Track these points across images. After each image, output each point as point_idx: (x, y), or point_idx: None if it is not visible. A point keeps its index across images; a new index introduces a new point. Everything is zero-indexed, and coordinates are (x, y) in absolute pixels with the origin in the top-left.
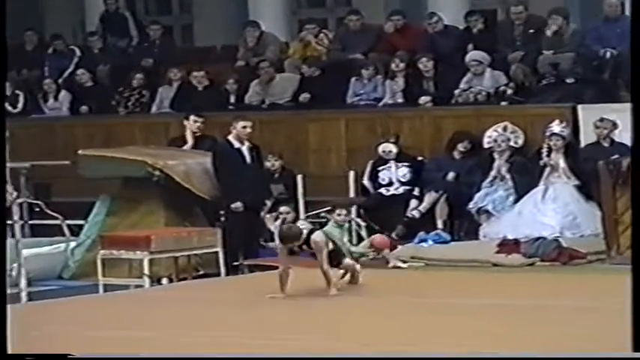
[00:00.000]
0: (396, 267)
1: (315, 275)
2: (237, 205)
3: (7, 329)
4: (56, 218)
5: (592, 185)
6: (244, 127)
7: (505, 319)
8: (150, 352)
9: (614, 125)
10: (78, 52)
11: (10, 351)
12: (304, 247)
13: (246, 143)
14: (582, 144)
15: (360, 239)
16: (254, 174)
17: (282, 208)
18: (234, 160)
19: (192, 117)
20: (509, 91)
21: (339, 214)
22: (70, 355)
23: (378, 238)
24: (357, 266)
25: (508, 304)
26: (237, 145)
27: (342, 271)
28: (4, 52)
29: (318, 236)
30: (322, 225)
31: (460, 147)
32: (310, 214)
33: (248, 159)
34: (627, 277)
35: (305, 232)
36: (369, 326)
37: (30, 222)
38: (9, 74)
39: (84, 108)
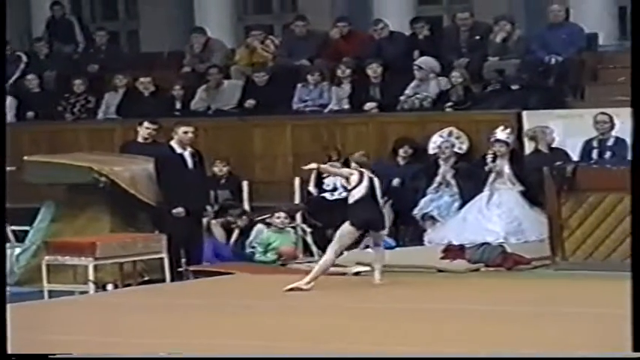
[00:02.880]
0: (356, 274)
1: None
2: (179, 210)
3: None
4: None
5: (537, 191)
6: (185, 132)
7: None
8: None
9: (544, 132)
10: (24, 58)
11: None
12: None
13: (188, 149)
14: (527, 150)
15: (306, 245)
16: (196, 179)
17: (231, 211)
18: (176, 165)
19: (145, 123)
20: (454, 98)
21: (278, 218)
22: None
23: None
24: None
25: (451, 308)
26: (179, 150)
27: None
28: (3, 53)
29: None
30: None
31: (401, 152)
32: (257, 219)
33: (190, 164)
34: (573, 281)
35: None
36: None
37: None
38: None
39: (30, 114)
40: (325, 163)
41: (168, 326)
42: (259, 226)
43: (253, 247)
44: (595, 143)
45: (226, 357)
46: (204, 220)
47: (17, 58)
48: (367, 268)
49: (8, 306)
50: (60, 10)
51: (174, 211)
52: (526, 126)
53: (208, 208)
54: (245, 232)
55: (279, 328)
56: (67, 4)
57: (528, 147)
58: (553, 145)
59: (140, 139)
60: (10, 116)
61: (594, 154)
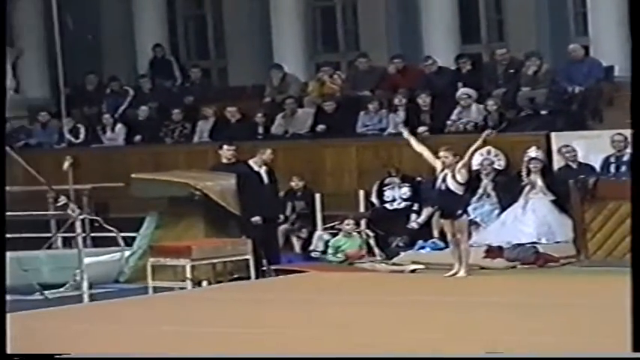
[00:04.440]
0: (412, 271)
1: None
2: (257, 219)
3: (7, 329)
4: (112, 231)
5: (565, 200)
6: (270, 154)
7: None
8: (191, 347)
9: (574, 150)
10: (131, 92)
11: (8, 351)
12: None
13: (264, 167)
14: (555, 166)
15: (369, 247)
16: (270, 193)
17: (300, 224)
18: (254, 181)
19: (225, 146)
20: (491, 123)
21: (347, 225)
22: (66, 354)
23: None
24: None
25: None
26: (256, 168)
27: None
28: (4, 53)
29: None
30: (335, 235)
31: None
32: (327, 226)
33: (265, 180)
34: (595, 277)
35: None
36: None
37: (92, 235)
38: (73, 111)
39: (137, 138)
40: (385, 179)
41: (253, 317)
42: (318, 232)
43: (317, 251)
44: (612, 159)
45: (230, 357)
46: (282, 228)
47: (125, 92)
48: (422, 266)
49: (119, 300)
50: (161, 51)
51: (252, 219)
52: (554, 145)
53: (282, 216)
54: (309, 238)
55: (346, 318)
56: (167, 45)
57: (557, 162)
58: (581, 161)
59: (224, 160)
60: (120, 140)
61: (612, 168)
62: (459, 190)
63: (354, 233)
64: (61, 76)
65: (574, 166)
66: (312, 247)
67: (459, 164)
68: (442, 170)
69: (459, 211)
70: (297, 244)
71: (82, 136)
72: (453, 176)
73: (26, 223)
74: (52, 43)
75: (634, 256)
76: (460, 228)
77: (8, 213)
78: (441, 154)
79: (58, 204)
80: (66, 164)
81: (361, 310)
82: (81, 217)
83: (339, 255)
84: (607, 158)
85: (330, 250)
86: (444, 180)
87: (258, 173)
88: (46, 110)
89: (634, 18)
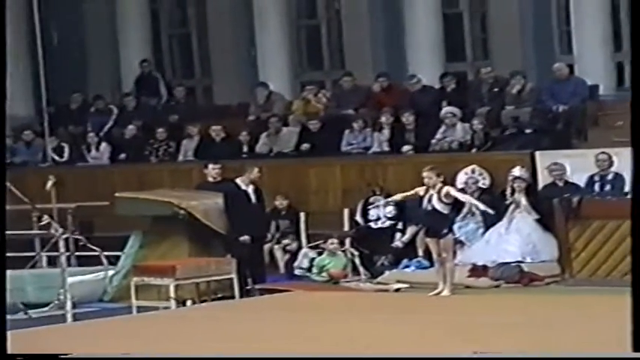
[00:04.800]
0: (396, 290)
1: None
2: (245, 238)
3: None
4: (96, 250)
5: (549, 218)
6: (257, 172)
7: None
8: None
9: (564, 168)
10: (115, 110)
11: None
12: None
13: (251, 186)
14: (540, 184)
15: (354, 266)
16: (258, 211)
17: (285, 241)
18: (241, 199)
19: (210, 165)
20: (477, 142)
21: (331, 244)
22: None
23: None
24: None
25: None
26: (243, 187)
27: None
28: (4, 52)
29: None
30: (320, 254)
31: None
32: (312, 244)
33: (253, 199)
34: (580, 295)
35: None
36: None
37: (76, 254)
38: (58, 130)
39: (122, 156)
40: (370, 197)
41: (236, 333)
42: (304, 250)
43: (302, 269)
44: (597, 178)
45: (230, 357)
46: (267, 246)
47: (110, 111)
48: (406, 285)
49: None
50: (148, 66)
51: (240, 238)
52: (538, 164)
53: (269, 235)
54: (294, 255)
55: (333, 334)
56: (152, 64)
57: (542, 180)
58: (567, 179)
59: (210, 179)
60: (105, 159)
61: (596, 187)
62: (444, 210)
63: (339, 252)
64: (44, 94)
65: (560, 184)
66: (296, 264)
67: (444, 190)
68: (427, 191)
69: (445, 230)
70: (281, 262)
71: (66, 154)
72: (439, 196)
73: (10, 242)
74: (36, 61)
75: (634, 256)
76: (445, 247)
77: None
78: (425, 174)
79: (42, 223)
80: (49, 184)
81: (346, 328)
82: (64, 236)
83: (323, 274)
84: (591, 177)
85: (314, 270)
86: (429, 200)
87: (245, 192)
88: (30, 129)
89: (634, 18)
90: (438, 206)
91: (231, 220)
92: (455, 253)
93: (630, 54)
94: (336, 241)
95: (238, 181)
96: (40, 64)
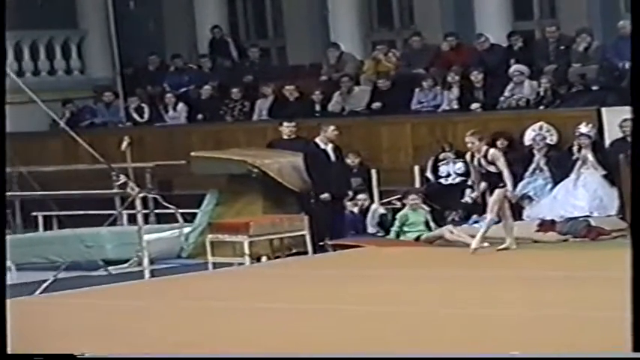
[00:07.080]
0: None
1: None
2: (326, 195)
3: (7, 329)
4: (170, 209)
5: (616, 174)
6: (333, 130)
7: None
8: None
9: None
10: (195, 67)
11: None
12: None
13: (330, 144)
14: (607, 140)
15: (426, 221)
16: (337, 170)
17: (360, 196)
18: (322, 159)
19: (284, 123)
20: (544, 99)
21: (412, 200)
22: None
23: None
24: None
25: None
26: (322, 146)
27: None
28: (3, 52)
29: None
30: (395, 210)
31: (498, 144)
32: (384, 201)
33: (332, 157)
34: None
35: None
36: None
37: (155, 211)
38: (137, 90)
39: (199, 117)
40: (439, 154)
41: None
42: (374, 206)
43: (374, 224)
44: None
45: (230, 357)
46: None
47: (189, 69)
48: (487, 244)
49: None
50: (219, 32)
51: (321, 196)
52: (605, 121)
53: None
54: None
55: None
56: (226, 25)
57: (609, 137)
58: None
59: (285, 137)
60: (182, 118)
61: None
62: (495, 170)
63: (420, 208)
64: (116, 57)
65: (630, 139)
66: (367, 221)
67: (490, 153)
68: (472, 156)
69: (500, 184)
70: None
71: (146, 114)
72: (486, 160)
73: (91, 201)
74: (115, 24)
75: (634, 256)
76: (497, 201)
77: (74, 192)
78: (467, 139)
79: (118, 182)
80: (124, 144)
81: (419, 285)
82: (140, 195)
83: (404, 229)
84: None
85: (396, 223)
86: (479, 164)
87: (324, 151)
88: (110, 90)
89: (634, 18)
90: (489, 168)
91: (311, 178)
92: (523, 208)
93: (630, 55)
94: (416, 196)
95: (317, 140)
96: (111, 27)
